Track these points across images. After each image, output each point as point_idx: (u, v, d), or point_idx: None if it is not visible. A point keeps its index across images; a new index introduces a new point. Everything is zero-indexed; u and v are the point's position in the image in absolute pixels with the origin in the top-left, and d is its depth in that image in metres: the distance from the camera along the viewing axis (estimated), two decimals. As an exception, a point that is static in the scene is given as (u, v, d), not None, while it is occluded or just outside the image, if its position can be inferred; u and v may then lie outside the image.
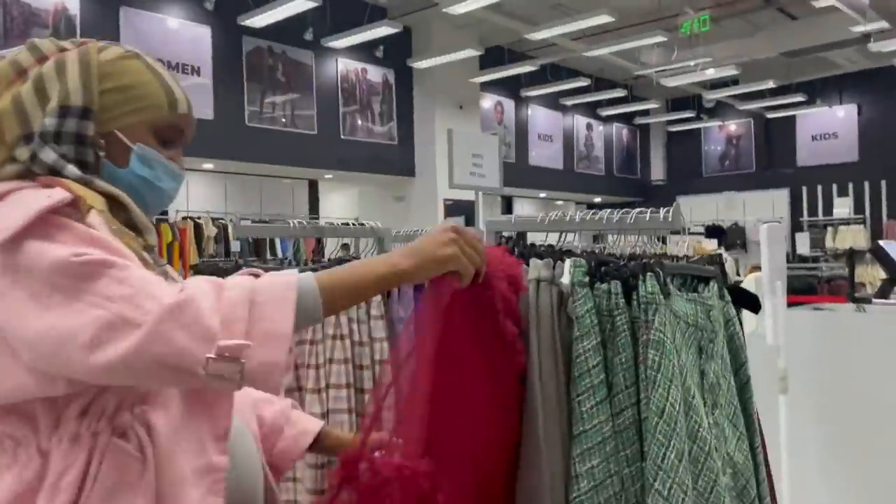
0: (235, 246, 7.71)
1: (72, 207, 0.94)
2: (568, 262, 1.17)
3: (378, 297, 1.58)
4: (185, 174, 1.14)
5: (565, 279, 1.15)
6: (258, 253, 8.43)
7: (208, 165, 9.45)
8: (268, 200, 10.47)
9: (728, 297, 1.48)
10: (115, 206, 1.03)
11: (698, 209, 15.19)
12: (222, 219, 9.48)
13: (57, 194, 0.93)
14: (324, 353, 1.49)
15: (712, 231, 13.72)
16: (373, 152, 10.35)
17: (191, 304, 0.86)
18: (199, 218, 9.06)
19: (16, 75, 1.05)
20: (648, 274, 1.14)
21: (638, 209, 1.52)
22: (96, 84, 1.04)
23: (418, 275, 0.98)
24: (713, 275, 1.46)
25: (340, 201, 11.87)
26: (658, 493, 1.07)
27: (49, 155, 1.00)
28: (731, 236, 14.19)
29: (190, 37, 8.49)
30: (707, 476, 1.15)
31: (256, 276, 0.95)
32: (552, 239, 1.55)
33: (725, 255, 9.56)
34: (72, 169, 1.01)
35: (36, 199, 0.92)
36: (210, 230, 8.92)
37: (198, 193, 9.84)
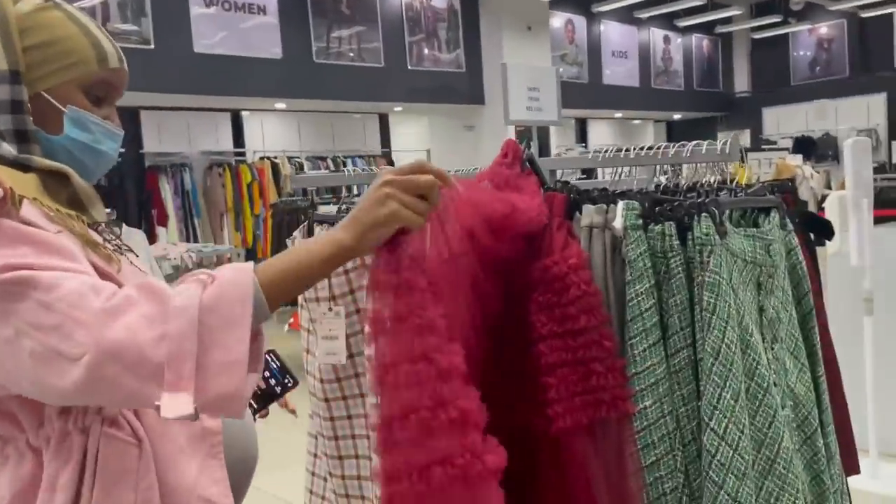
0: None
1: (1, 201, 0.85)
2: (621, 204, 1.16)
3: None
4: (122, 132, 1.05)
5: (618, 222, 1.15)
6: (333, 190, 8.60)
7: (280, 105, 9.59)
8: (340, 136, 10.58)
9: (790, 227, 1.43)
10: (58, 181, 0.96)
11: (786, 120, 14.42)
12: (298, 157, 9.68)
13: None
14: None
15: (801, 144, 13.03)
16: (441, 81, 10.24)
17: (131, 343, 0.78)
18: (275, 158, 9.29)
19: None
20: (703, 214, 1.13)
21: (694, 142, 1.48)
22: (18, 42, 0.94)
23: (364, 245, 0.89)
24: (773, 204, 1.41)
25: (411, 133, 11.88)
26: (714, 431, 1.09)
27: None
28: (822, 147, 13.46)
29: (254, -24, 8.50)
30: (765, 412, 1.16)
31: (212, 276, 0.85)
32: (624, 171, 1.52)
33: (811, 170, 9.10)
34: (7, 148, 0.94)
35: None
36: (286, 169, 9.14)
37: (273, 133, 10.04)
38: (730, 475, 1.08)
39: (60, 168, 0.96)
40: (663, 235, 1.15)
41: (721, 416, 1.09)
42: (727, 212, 1.20)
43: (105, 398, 0.84)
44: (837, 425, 1.37)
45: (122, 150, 1.10)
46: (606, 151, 1.38)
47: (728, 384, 1.10)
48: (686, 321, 1.14)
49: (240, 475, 1.11)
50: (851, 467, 1.52)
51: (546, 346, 1.11)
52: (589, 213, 1.18)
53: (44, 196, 0.92)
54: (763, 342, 1.22)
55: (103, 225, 1.02)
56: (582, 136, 14.23)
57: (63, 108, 0.97)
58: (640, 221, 1.15)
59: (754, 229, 1.27)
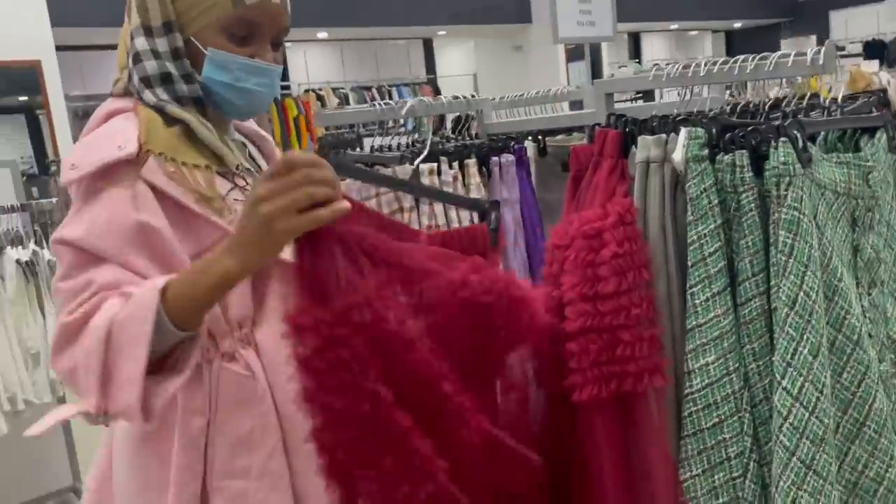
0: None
1: (134, 161, 0.98)
2: (683, 132, 0.99)
3: (478, 179, 1.46)
4: (276, 67, 1.10)
5: (678, 154, 0.98)
6: (381, 123, 8.43)
7: (322, 35, 9.37)
8: (384, 65, 10.34)
9: (903, 148, 1.22)
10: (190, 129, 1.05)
11: (855, 23, 13.43)
12: (343, 88, 9.48)
13: (127, 146, 0.97)
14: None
15: (871, 48, 12.11)
16: (485, 1, 9.80)
17: (55, 348, 0.94)
18: (320, 89, 9.11)
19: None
20: (781, 139, 0.95)
21: (779, 52, 1.27)
22: None
23: (252, 268, 0.88)
24: (880, 123, 1.20)
25: (456, 57, 11.51)
26: (787, 391, 0.94)
27: (134, 78, 1.06)
28: (895, 51, 12.49)
29: None
30: (854, 368, 1.01)
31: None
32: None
33: (888, 76, 8.38)
34: (148, 95, 1.05)
35: (111, 142, 0.98)
36: (332, 101, 8.97)
37: (316, 65, 9.87)
38: (804, 440, 0.94)
39: (188, 120, 1.04)
40: (733, 167, 0.98)
41: (795, 373, 0.94)
42: (822, 134, 1.01)
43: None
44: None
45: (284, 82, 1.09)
46: (669, 66, 1.19)
47: (805, 337, 0.94)
48: (759, 266, 0.98)
49: None
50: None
51: (572, 311, 0.98)
52: (646, 146, 1.01)
53: (179, 144, 1.01)
54: (857, 287, 1.05)
55: (238, 168, 1.08)
56: (636, 52, 13.57)
57: (205, 51, 1.05)
58: (706, 152, 0.98)
59: (850, 155, 1.07)
